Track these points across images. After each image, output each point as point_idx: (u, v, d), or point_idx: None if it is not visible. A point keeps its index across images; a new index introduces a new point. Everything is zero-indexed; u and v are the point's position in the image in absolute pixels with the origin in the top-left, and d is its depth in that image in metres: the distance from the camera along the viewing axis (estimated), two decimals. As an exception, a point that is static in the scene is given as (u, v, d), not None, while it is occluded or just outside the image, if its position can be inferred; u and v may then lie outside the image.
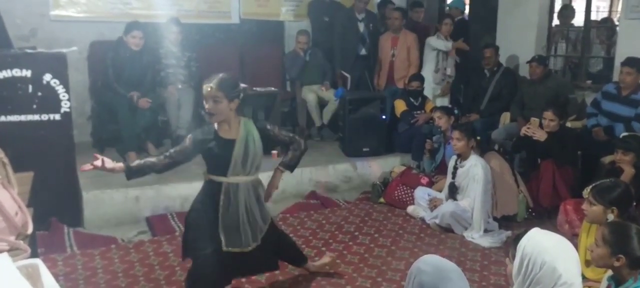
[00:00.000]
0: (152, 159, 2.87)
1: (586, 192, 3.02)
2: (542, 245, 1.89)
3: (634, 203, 2.98)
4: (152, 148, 5.47)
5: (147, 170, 2.82)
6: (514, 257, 1.95)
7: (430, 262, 1.59)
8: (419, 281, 1.54)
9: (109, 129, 5.44)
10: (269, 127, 3.00)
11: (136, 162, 2.83)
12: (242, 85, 2.93)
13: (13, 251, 2.14)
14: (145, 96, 5.14)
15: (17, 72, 3.83)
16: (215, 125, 2.86)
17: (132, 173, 2.78)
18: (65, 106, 3.98)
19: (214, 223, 2.85)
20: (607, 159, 4.43)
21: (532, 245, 1.89)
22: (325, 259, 3.58)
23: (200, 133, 2.86)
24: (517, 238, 1.98)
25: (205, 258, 2.77)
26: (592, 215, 2.97)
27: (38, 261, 1.99)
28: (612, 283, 2.37)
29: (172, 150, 2.86)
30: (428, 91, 6.19)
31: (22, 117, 3.88)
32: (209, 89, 2.75)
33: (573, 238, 3.26)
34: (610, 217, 2.85)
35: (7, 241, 2.18)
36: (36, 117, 3.92)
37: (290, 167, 3.09)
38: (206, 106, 2.78)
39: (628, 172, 3.77)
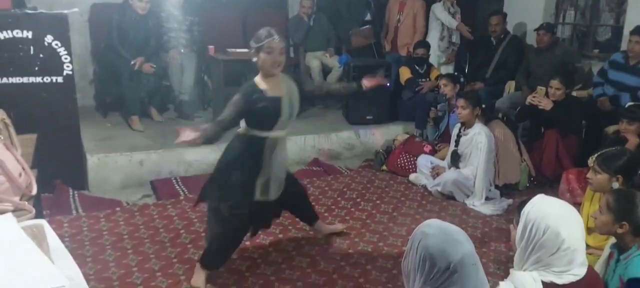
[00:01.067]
0: (214, 127, 2.81)
1: (591, 160, 3.01)
2: (546, 210, 1.89)
3: (639, 172, 2.97)
4: (155, 113, 5.47)
5: (219, 134, 2.81)
6: (518, 223, 1.95)
7: (434, 225, 1.57)
8: (424, 245, 1.51)
9: (112, 93, 5.42)
10: (301, 81, 3.15)
11: (210, 131, 2.78)
12: None
13: (17, 211, 2.14)
14: (149, 61, 5.11)
15: (17, 33, 3.79)
16: (259, 84, 2.87)
17: (209, 140, 2.79)
18: (67, 69, 3.95)
19: (252, 176, 2.93)
20: (611, 129, 4.41)
21: (536, 210, 1.90)
22: (338, 226, 3.67)
23: (247, 93, 2.85)
24: (521, 205, 1.98)
25: (239, 211, 2.91)
26: (596, 183, 2.96)
27: (43, 222, 1.99)
28: (614, 250, 2.38)
29: (224, 117, 2.82)
30: (433, 59, 6.13)
31: (24, 79, 3.86)
32: (279, 40, 2.83)
33: (575, 207, 3.26)
34: (615, 185, 2.85)
35: (11, 201, 2.17)
36: (38, 80, 3.90)
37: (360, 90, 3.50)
38: (278, 58, 2.84)
39: (632, 141, 3.75)
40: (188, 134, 2.66)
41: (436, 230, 1.54)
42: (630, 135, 3.79)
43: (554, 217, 1.87)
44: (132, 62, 5.00)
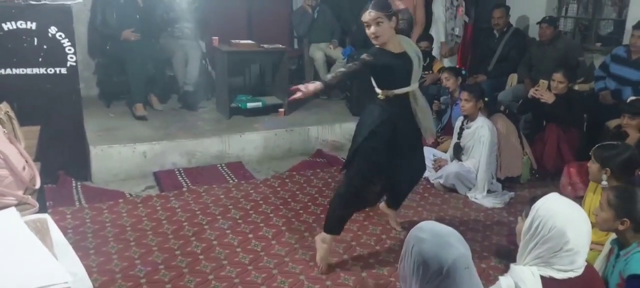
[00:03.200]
0: (339, 75, 2.94)
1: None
2: (556, 209, 1.90)
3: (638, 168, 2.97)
4: (155, 102, 5.48)
5: (341, 81, 2.99)
6: (526, 215, 1.97)
7: (427, 229, 1.57)
8: (418, 250, 1.52)
9: (116, 81, 5.44)
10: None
11: (330, 75, 3.00)
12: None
13: (21, 205, 2.15)
14: (148, 45, 5.12)
15: (21, 25, 3.79)
16: (383, 47, 2.98)
17: (330, 88, 3.01)
18: (71, 60, 3.96)
19: (400, 137, 3.07)
20: (612, 123, 4.40)
21: (546, 208, 1.92)
22: (396, 227, 3.73)
23: (376, 52, 2.96)
24: (533, 199, 2.00)
25: (380, 171, 3.09)
26: (591, 172, 3.02)
27: (46, 216, 2.00)
28: (615, 246, 2.39)
29: (351, 66, 2.95)
30: (436, 52, 6.11)
31: (28, 70, 3.87)
32: (370, 14, 2.87)
33: (576, 200, 3.28)
34: (604, 177, 2.87)
35: (15, 195, 2.18)
36: (42, 71, 3.90)
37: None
38: (370, 31, 2.90)
39: (633, 136, 3.75)
40: (307, 87, 2.82)
41: (429, 235, 1.54)
42: (632, 130, 3.79)
43: (563, 217, 1.88)
44: (124, 36, 5.09)
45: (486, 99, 4.55)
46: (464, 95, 4.32)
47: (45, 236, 1.89)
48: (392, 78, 3.01)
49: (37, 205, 2.20)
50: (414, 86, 3.08)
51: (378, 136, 3.01)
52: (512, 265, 2.02)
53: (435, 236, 1.55)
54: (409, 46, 3.06)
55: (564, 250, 1.86)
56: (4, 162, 2.14)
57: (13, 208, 1.99)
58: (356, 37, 6.26)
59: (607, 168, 2.87)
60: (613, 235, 2.44)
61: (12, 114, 2.68)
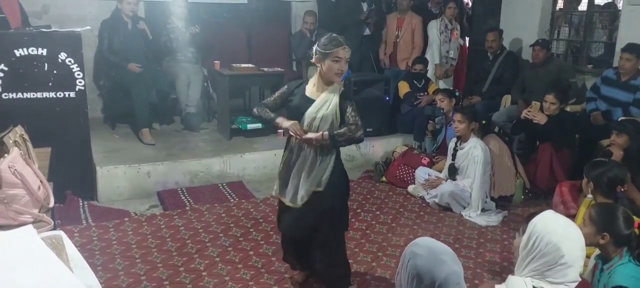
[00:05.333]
0: (258, 108, 2.98)
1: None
2: (552, 226, 2.03)
3: (622, 185, 3.11)
4: (157, 126, 5.62)
5: (260, 115, 2.98)
6: (524, 231, 2.09)
7: (423, 245, 1.68)
8: (413, 264, 1.63)
9: (121, 105, 5.57)
10: (349, 106, 2.81)
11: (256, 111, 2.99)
12: None
13: (36, 223, 2.27)
14: (153, 72, 5.28)
15: (33, 51, 3.96)
16: (308, 84, 2.91)
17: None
18: (79, 84, 4.12)
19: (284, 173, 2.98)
20: (605, 143, 4.52)
21: (543, 224, 2.04)
22: None
23: (292, 86, 2.97)
24: (530, 216, 2.12)
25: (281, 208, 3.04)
26: (583, 184, 3.19)
27: (61, 232, 2.11)
28: (599, 261, 2.51)
29: (267, 100, 3.01)
30: (431, 74, 6.28)
31: (39, 94, 4.03)
32: (347, 49, 2.77)
33: (568, 218, 3.40)
34: (589, 189, 3.06)
35: (31, 213, 2.31)
36: (52, 94, 4.06)
37: (334, 138, 2.78)
38: (344, 67, 2.77)
39: (617, 154, 3.89)
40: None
41: (424, 250, 1.65)
42: (616, 149, 3.93)
43: (559, 233, 2.00)
44: (129, 66, 5.21)
45: (484, 122, 4.68)
46: (457, 116, 4.46)
47: (61, 252, 2.01)
48: (287, 113, 2.94)
49: (52, 222, 2.33)
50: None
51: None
52: (509, 276, 2.13)
53: (430, 252, 1.66)
54: (325, 99, 2.82)
55: (559, 264, 1.98)
56: (21, 182, 2.27)
57: (30, 226, 2.10)
58: (352, 60, 6.44)
59: (591, 183, 3.04)
60: (597, 251, 2.56)
61: (26, 136, 2.83)
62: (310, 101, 2.83)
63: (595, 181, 3.04)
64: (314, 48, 2.82)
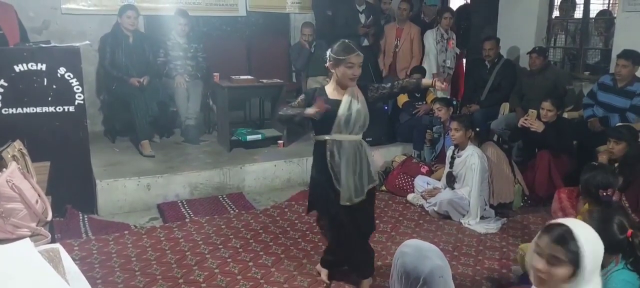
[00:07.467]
0: (285, 111, 3.12)
1: None
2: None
3: (611, 190, 3.13)
4: (157, 139, 5.66)
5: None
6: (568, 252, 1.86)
7: (410, 245, 1.78)
8: (401, 262, 1.72)
9: (121, 118, 5.62)
10: (367, 87, 3.18)
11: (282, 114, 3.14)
12: None
13: (34, 237, 2.30)
14: (153, 86, 5.33)
15: (32, 66, 4.00)
16: (327, 88, 3.12)
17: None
18: (79, 99, 4.16)
19: (327, 180, 3.09)
20: (602, 149, 4.55)
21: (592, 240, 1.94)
22: None
23: (311, 91, 3.17)
24: (548, 227, 1.92)
25: (332, 214, 3.17)
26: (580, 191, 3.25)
27: (58, 246, 2.14)
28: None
29: (290, 105, 3.16)
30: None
31: (38, 109, 4.06)
32: (360, 55, 2.98)
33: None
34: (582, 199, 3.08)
35: (29, 227, 2.33)
36: (51, 109, 4.10)
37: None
38: (357, 72, 2.98)
39: (602, 159, 3.93)
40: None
41: (411, 249, 1.74)
42: (603, 155, 3.98)
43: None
44: (131, 81, 5.25)
45: (478, 129, 4.71)
46: (454, 124, 4.49)
47: (57, 265, 2.04)
48: (316, 121, 3.05)
49: (49, 235, 2.36)
50: (337, 136, 3.05)
51: (313, 178, 3.26)
52: None
53: (416, 250, 1.74)
54: (350, 95, 3.06)
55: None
56: (19, 196, 2.30)
57: (27, 239, 2.13)
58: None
59: (581, 188, 3.09)
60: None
61: (24, 150, 2.86)
62: (338, 102, 3.03)
63: (583, 186, 3.07)
64: (328, 54, 3.03)
